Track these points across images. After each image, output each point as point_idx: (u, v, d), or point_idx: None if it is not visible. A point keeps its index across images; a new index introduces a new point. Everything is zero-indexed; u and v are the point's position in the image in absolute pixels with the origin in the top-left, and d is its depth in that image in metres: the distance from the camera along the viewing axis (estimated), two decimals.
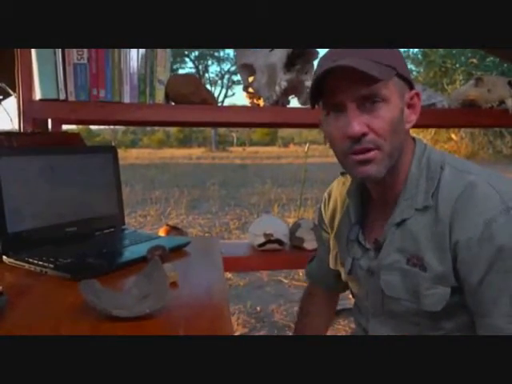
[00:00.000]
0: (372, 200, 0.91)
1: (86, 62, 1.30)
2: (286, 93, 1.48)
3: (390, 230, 0.84)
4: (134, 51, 1.35)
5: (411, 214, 0.82)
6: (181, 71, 30.95)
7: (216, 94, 31.75)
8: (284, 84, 1.39)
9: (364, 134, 0.75)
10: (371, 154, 0.76)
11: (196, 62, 32.48)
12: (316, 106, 0.84)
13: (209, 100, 1.45)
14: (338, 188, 1.01)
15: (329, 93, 0.78)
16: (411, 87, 0.82)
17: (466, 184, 0.77)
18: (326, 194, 1.06)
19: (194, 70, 32.10)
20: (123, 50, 1.34)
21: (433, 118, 1.56)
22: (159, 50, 1.39)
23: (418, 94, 0.82)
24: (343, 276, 0.98)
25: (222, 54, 31.95)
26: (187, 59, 31.82)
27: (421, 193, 0.81)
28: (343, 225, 0.96)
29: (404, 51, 17.67)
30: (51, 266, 0.87)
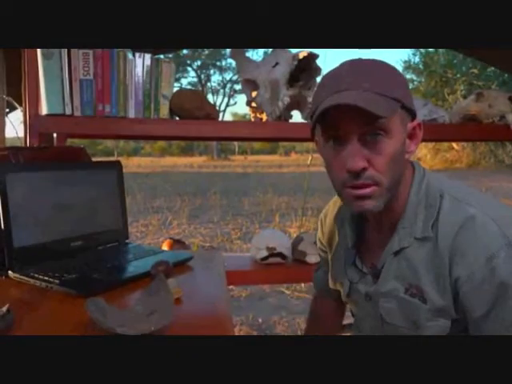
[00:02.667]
0: (369, 224, 0.90)
1: (91, 77, 1.32)
2: (289, 108, 1.50)
3: (388, 258, 0.83)
4: (139, 67, 1.37)
5: (410, 242, 0.81)
6: (183, 80, 31.10)
7: (218, 103, 31.88)
8: (287, 100, 1.40)
9: (364, 169, 0.74)
10: (369, 190, 0.75)
11: (198, 72, 32.62)
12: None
13: (212, 115, 1.47)
14: (335, 209, 1.00)
15: (330, 125, 0.75)
16: (414, 117, 0.80)
17: (466, 217, 0.76)
18: (322, 216, 1.05)
19: (196, 80, 32.28)
20: (128, 66, 1.36)
21: (434, 133, 1.58)
22: (164, 66, 1.41)
23: (419, 125, 0.81)
24: (342, 297, 0.97)
25: (223, 63, 32.07)
26: (189, 68, 31.97)
27: (420, 221, 0.80)
28: (341, 248, 0.96)
29: (405, 61, 17.76)
30: (57, 281, 0.88)
